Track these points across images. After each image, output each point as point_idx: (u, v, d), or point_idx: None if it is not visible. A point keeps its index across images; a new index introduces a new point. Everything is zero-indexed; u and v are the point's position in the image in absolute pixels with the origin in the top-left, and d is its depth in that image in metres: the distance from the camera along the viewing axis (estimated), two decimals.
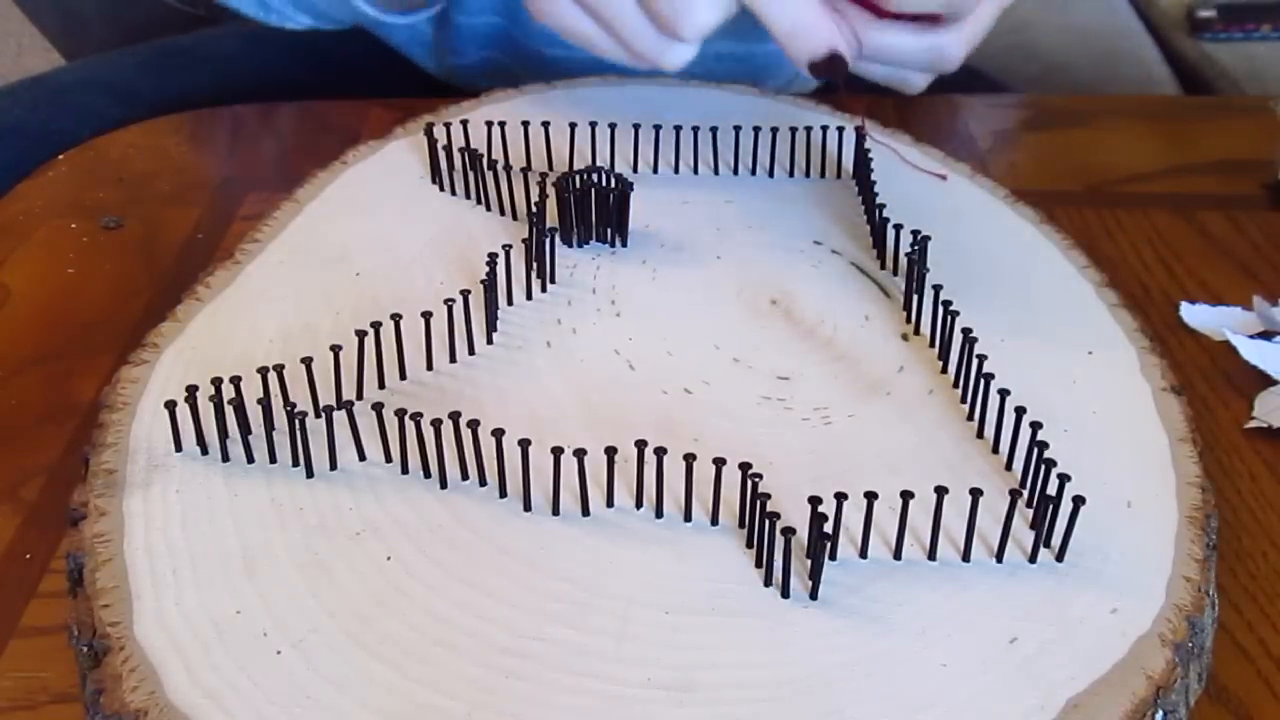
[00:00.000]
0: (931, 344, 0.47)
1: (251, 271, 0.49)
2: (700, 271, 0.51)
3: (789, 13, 0.45)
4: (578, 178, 0.51)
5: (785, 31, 0.45)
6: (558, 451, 0.39)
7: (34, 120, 0.67)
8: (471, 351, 0.46)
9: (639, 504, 0.39)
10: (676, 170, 0.57)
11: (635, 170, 0.57)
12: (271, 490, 0.39)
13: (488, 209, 0.54)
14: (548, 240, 0.49)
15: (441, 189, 0.55)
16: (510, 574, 0.37)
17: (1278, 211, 0.63)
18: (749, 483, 0.38)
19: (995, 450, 0.42)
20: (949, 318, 0.45)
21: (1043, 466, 0.38)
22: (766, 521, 0.37)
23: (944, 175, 0.54)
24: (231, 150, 0.66)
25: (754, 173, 0.58)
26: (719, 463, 0.38)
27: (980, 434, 0.43)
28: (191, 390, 0.40)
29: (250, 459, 0.40)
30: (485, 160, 0.53)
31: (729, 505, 0.39)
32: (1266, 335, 0.53)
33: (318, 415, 0.41)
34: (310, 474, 0.40)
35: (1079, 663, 0.35)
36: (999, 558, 0.38)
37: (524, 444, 0.38)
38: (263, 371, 0.41)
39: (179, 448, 0.40)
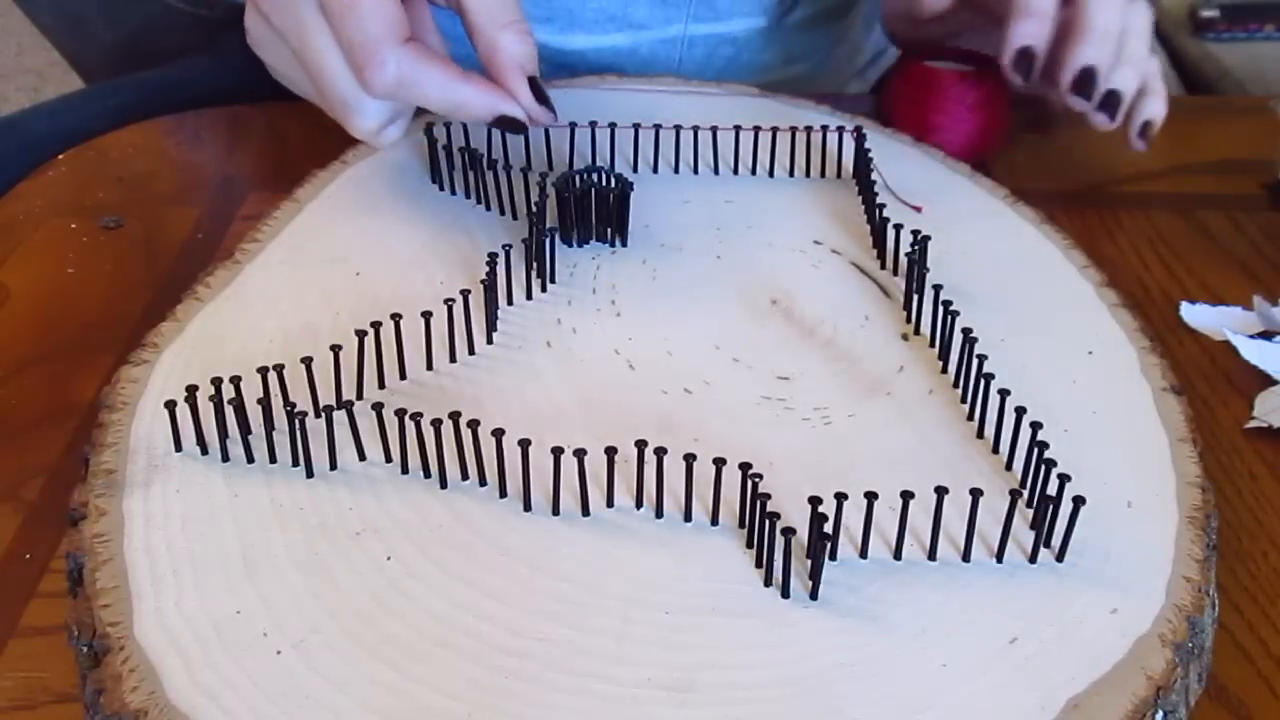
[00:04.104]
0: (931, 344, 0.47)
1: (251, 271, 0.49)
2: (700, 271, 0.51)
3: (445, 95, 0.46)
4: (578, 178, 0.51)
5: (448, 111, 0.48)
6: (558, 451, 0.39)
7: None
8: (471, 351, 0.46)
9: (639, 504, 0.39)
10: (676, 170, 0.57)
11: (635, 170, 0.57)
12: (271, 490, 0.39)
13: (488, 209, 0.54)
14: (548, 240, 0.49)
15: (441, 189, 0.55)
16: (510, 574, 0.37)
17: (1278, 211, 0.63)
18: (749, 483, 0.38)
19: (995, 450, 0.42)
20: (949, 318, 0.45)
21: (1043, 466, 0.38)
22: (766, 521, 0.37)
23: (919, 208, 0.54)
24: (231, 150, 0.66)
25: (754, 173, 0.57)
26: (719, 463, 0.38)
27: (980, 434, 0.43)
28: (191, 390, 0.40)
29: (250, 459, 0.40)
30: (485, 160, 0.53)
31: (729, 505, 0.39)
32: (1266, 335, 0.53)
33: (318, 415, 0.41)
34: (310, 474, 0.40)
35: (1079, 663, 0.35)
36: (999, 558, 0.38)
37: (524, 444, 0.38)
38: (263, 371, 0.41)
39: (179, 448, 0.41)
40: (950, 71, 0.62)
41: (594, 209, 0.51)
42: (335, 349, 0.42)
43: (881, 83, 0.69)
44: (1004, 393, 0.42)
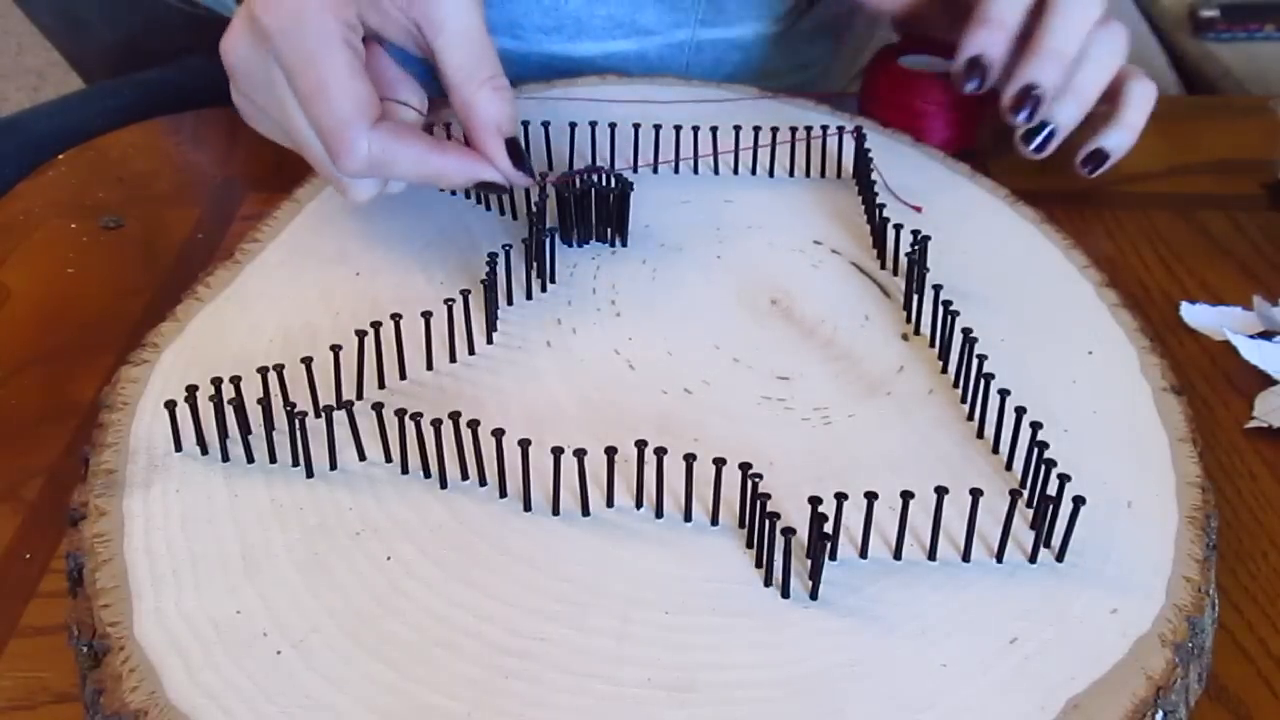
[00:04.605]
0: (931, 344, 0.47)
1: (251, 271, 0.49)
2: (700, 271, 0.51)
3: (420, 170, 0.46)
4: (578, 178, 0.51)
5: (426, 182, 0.48)
6: (558, 451, 0.39)
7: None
8: (471, 351, 0.46)
9: (639, 504, 0.39)
10: (676, 170, 0.57)
11: (635, 170, 0.57)
12: (271, 490, 0.39)
13: (488, 209, 0.54)
14: (548, 240, 0.49)
15: (441, 189, 0.55)
16: (510, 574, 0.37)
17: (1278, 211, 0.63)
18: (749, 483, 0.38)
19: (995, 450, 0.42)
20: (949, 318, 0.45)
21: (1043, 466, 0.38)
22: (766, 521, 0.37)
23: (919, 208, 0.54)
24: (231, 150, 0.66)
25: (754, 173, 0.57)
26: (719, 463, 0.38)
27: (980, 434, 0.43)
28: (191, 390, 0.40)
29: (250, 459, 0.40)
30: None
31: (729, 505, 0.39)
32: (1266, 335, 0.53)
33: (318, 415, 0.41)
34: (310, 474, 0.40)
35: (1079, 663, 0.35)
36: (999, 558, 0.38)
37: (524, 444, 0.38)
38: (263, 371, 0.41)
39: (179, 448, 0.41)
40: (924, 73, 0.62)
41: (594, 209, 0.51)
42: (335, 349, 0.42)
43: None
44: (1004, 393, 0.42)
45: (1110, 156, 0.58)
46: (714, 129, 0.57)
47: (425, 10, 0.45)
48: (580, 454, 0.38)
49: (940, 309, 0.45)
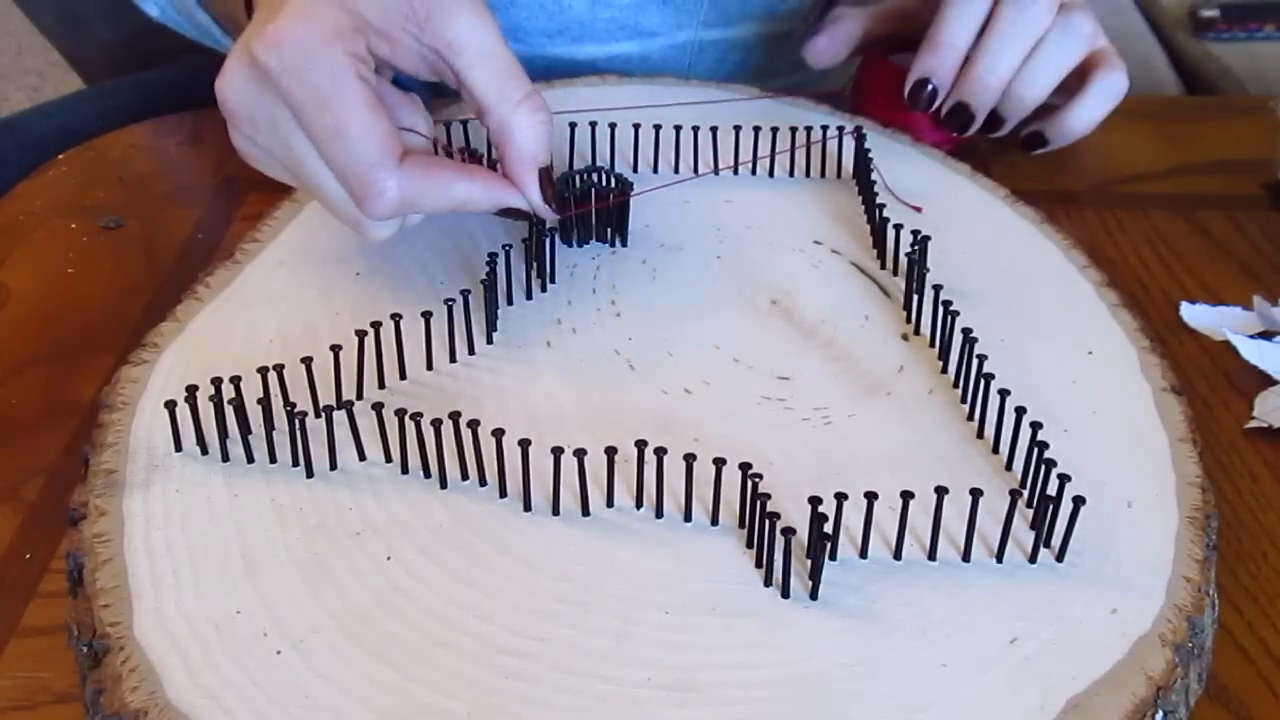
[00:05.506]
0: (931, 344, 0.47)
1: (251, 271, 0.49)
2: (700, 271, 0.51)
3: (449, 202, 0.44)
4: (578, 178, 0.51)
5: (453, 211, 0.45)
6: (558, 451, 0.39)
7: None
8: (471, 351, 0.46)
9: (639, 504, 0.39)
10: (676, 170, 0.57)
11: (635, 170, 0.57)
12: (271, 490, 0.39)
13: None
14: (548, 240, 0.49)
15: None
16: (510, 574, 0.37)
17: (1278, 211, 0.63)
18: (749, 483, 0.38)
19: (995, 450, 0.42)
20: (949, 318, 0.45)
21: (1043, 466, 0.38)
22: (766, 521, 0.37)
23: (919, 208, 0.54)
24: (231, 150, 0.66)
25: (754, 173, 0.57)
26: (719, 463, 0.38)
27: (980, 434, 0.43)
28: (191, 390, 0.40)
29: (250, 459, 0.40)
30: (485, 160, 0.53)
31: (729, 505, 0.39)
32: (1266, 335, 0.53)
33: (318, 415, 0.41)
34: (310, 474, 0.40)
35: (1079, 663, 0.35)
36: (999, 558, 0.38)
37: (524, 444, 0.38)
38: (263, 371, 0.41)
39: (179, 448, 0.41)
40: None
41: (594, 209, 0.51)
42: (335, 349, 0.42)
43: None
44: (1004, 393, 0.42)
45: (1050, 142, 0.58)
46: (714, 129, 0.57)
47: (441, 32, 0.43)
48: (580, 454, 0.38)
49: (940, 309, 0.45)
